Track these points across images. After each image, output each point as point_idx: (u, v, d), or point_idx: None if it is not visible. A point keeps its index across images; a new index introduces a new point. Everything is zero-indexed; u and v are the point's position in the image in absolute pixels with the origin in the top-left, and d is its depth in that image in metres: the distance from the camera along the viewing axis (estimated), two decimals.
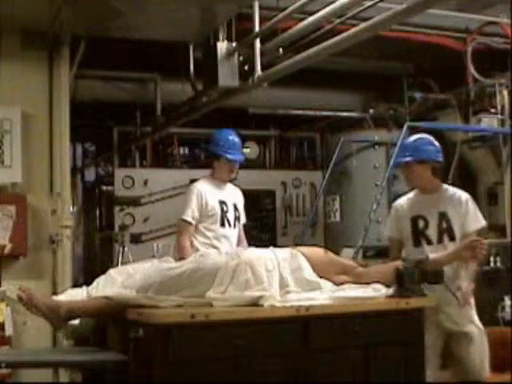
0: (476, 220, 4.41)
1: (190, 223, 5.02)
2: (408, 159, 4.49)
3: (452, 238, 4.35)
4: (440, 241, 4.38)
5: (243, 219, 5.31)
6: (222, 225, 5.08)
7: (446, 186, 4.58)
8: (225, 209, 5.11)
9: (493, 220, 7.24)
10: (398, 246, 4.55)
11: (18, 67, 5.64)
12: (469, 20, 7.04)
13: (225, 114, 7.61)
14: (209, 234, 5.04)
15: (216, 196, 5.11)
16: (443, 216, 4.41)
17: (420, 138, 4.60)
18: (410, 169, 4.51)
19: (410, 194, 4.63)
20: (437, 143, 4.60)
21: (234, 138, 5.21)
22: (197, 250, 4.88)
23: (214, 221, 5.06)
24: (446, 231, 4.38)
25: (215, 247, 4.97)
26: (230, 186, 5.30)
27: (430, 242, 4.41)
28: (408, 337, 3.59)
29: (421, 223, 4.47)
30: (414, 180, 4.56)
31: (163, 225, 8.11)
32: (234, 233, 5.17)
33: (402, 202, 4.64)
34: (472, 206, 4.43)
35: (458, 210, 4.39)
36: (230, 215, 5.14)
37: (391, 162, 7.31)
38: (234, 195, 5.26)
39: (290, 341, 3.36)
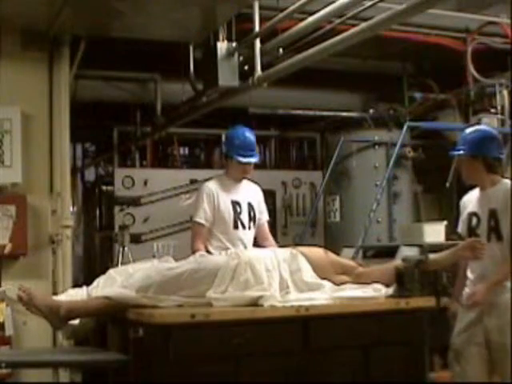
0: None
1: (202, 225, 4.74)
2: (458, 153, 4.25)
3: (499, 238, 4.09)
4: (489, 240, 4.13)
5: (265, 216, 5.00)
6: (235, 227, 4.78)
7: (506, 180, 4.27)
8: (238, 210, 4.81)
9: None
10: None
11: (18, 67, 5.64)
12: (469, 20, 7.04)
13: (225, 113, 7.61)
14: (222, 237, 4.75)
15: (228, 196, 4.82)
16: (493, 213, 4.15)
17: (475, 131, 4.35)
18: (461, 163, 4.29)
19: (476, 189, 4.36)
20: (496, 136, 4.33)
21: (247, 137, 4.88)
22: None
23: (227, 223, 4.77)
24: (494, 230, 4.13)
25: None
26: (246, 183, 4.96)
27: None
28: (408, 337, 3.59)
29: (474, 221, 4.25)
30: (466, 175, 4.30)
31: (163, 225, 8.12)
32: (249, 234, 4.84)
33: (466, 197, 4.40)
34: None
35: (507, 207, 4.09)
36: (244, 216, 4.83)
37: (391, 162, 7.32)
38: (249, 194, 4.93)
39: (290, 341, 3.36)
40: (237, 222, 4.79)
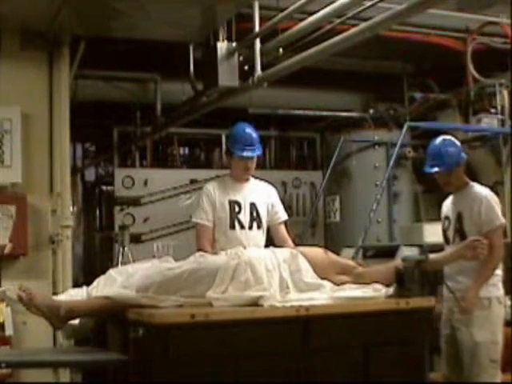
0: (490, 220, 4.30)
1: (204, 225, 4.67)
2: (451, 167, 4.46)
3: (463, 239, 4.28)
4: (453, 241, 4.36)
5: (282, 217, 4.89)
6: (232, 227, 4.67)
7: (472, 183, 4.53)
8: (236, 209, 4.70)
9: None
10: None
11: (17, 67, 5.64)
12: (469, 20, 7.04)
13: (225, 113, 7.61)
14: (220, 237, 4.67)
15: (227, 196, 4.73)
16: (459, 216, 4.39)
17: (445, 142, 4.60)
18: (446, 175, 4.49)
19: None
20: (457, 142, 4.63)
21: (247, 132, 4.78)
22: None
23: (223, 223, 4.68)
24: (459, 231, 4.36)
25: None
26: (253, 184, 4.86)
27: (448, 242, 4.44)
28: (408, 337, 3.59)
29: (446, 223, 4.51)
30: (455, 184, 4.52)
31: (163, 225, 8.12)
32: (250, 235, 4.69)
33: (445, 202, 4.65)
34: (488, 204, 4.33)
35: (473, 210, 4.33)
36: (243, 216, 4.71)
37: (391, 162, 7.32)
38: (255, 194, 4.80)
39: (290, 341, 3.36)
40: (233, 222, 4.70)
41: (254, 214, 4.77)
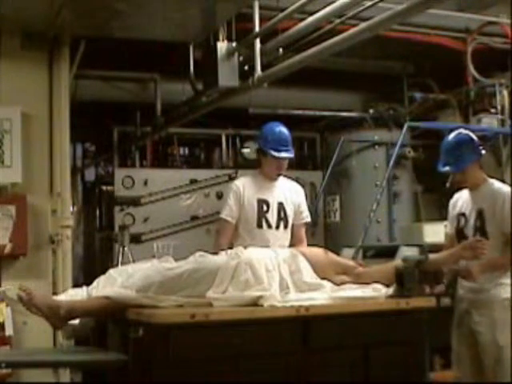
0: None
1: (228, 222, 4.69)
2: (464, 165, 4.26)
3: (485, 237, 4.13)
4: None
5: (304, 218, 4.89)
6: (259, 226, 4.68)
7: (491, 180, 4.35)
8: (264, 208, 4.70)
9: None
10: (452, 241, 4.39)
11: (18, 67, 5.64)
12: (469, 20, 7.05)
13: (225, 113, 7.61)
14: (245, 235, 4.66)
15: (256, 194, 4.73)
16: (480, 213, 4.23)
17: (461, 139, 4.36)
18: (463, 173, 4.30)
19: (464, 190, 4.44)
20: (474, 136, 4.40)
21: (282, 132, 4.83)
22: None
23: (250, 221, 4.69)
24: (480, 230, 4.21)
25: None
26: (282, 182, 4.87)
27: (466, 240, 4.26)
28: (408, 337, 3.59)
29: (462, 221, 4.34)
30: (472, 181, 4.33)
31: (163, 225, 8.11)
32: (277, 235, 4.71)
33: (455, 197, 4.48)
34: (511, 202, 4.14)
35: (495, 207, 4.18)
36: (271, 215, 4.71)
37: (391, 162, 7.32)
38: (283, 193, 4.81)
39: (290, 341, 3.36)
40: (261, 221, 4.69)
41: (282, 213, 4.76)
